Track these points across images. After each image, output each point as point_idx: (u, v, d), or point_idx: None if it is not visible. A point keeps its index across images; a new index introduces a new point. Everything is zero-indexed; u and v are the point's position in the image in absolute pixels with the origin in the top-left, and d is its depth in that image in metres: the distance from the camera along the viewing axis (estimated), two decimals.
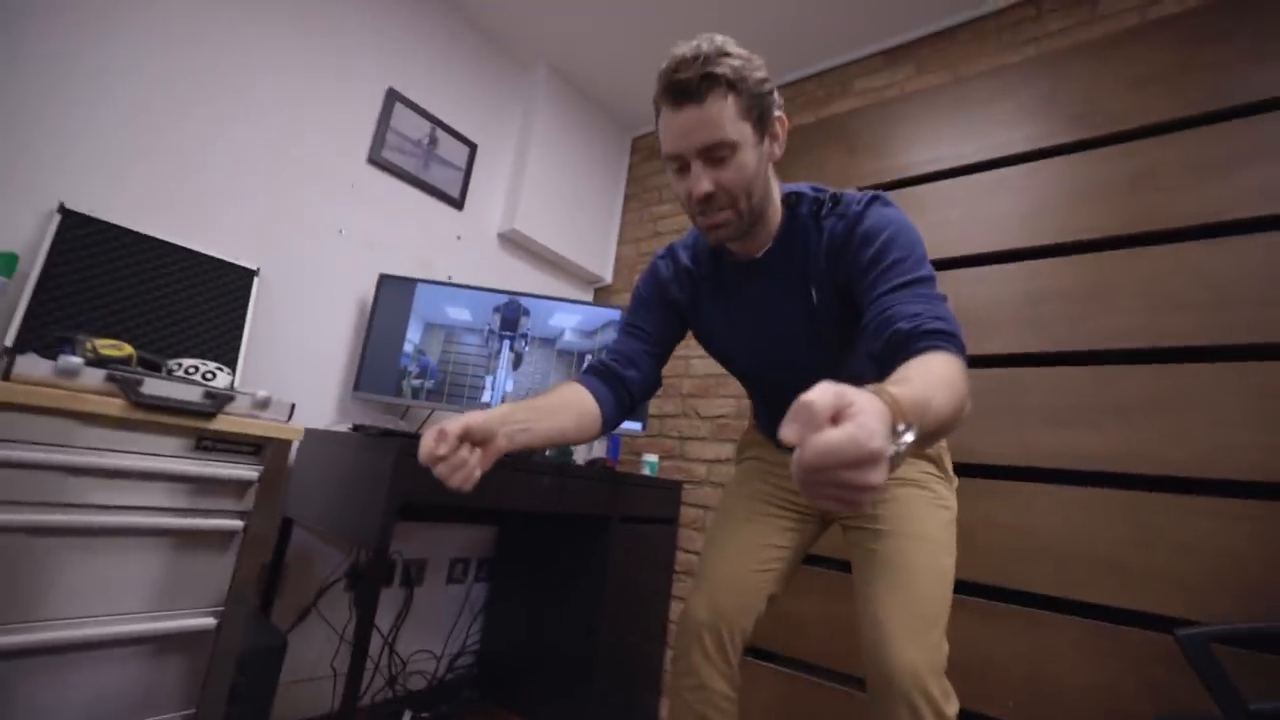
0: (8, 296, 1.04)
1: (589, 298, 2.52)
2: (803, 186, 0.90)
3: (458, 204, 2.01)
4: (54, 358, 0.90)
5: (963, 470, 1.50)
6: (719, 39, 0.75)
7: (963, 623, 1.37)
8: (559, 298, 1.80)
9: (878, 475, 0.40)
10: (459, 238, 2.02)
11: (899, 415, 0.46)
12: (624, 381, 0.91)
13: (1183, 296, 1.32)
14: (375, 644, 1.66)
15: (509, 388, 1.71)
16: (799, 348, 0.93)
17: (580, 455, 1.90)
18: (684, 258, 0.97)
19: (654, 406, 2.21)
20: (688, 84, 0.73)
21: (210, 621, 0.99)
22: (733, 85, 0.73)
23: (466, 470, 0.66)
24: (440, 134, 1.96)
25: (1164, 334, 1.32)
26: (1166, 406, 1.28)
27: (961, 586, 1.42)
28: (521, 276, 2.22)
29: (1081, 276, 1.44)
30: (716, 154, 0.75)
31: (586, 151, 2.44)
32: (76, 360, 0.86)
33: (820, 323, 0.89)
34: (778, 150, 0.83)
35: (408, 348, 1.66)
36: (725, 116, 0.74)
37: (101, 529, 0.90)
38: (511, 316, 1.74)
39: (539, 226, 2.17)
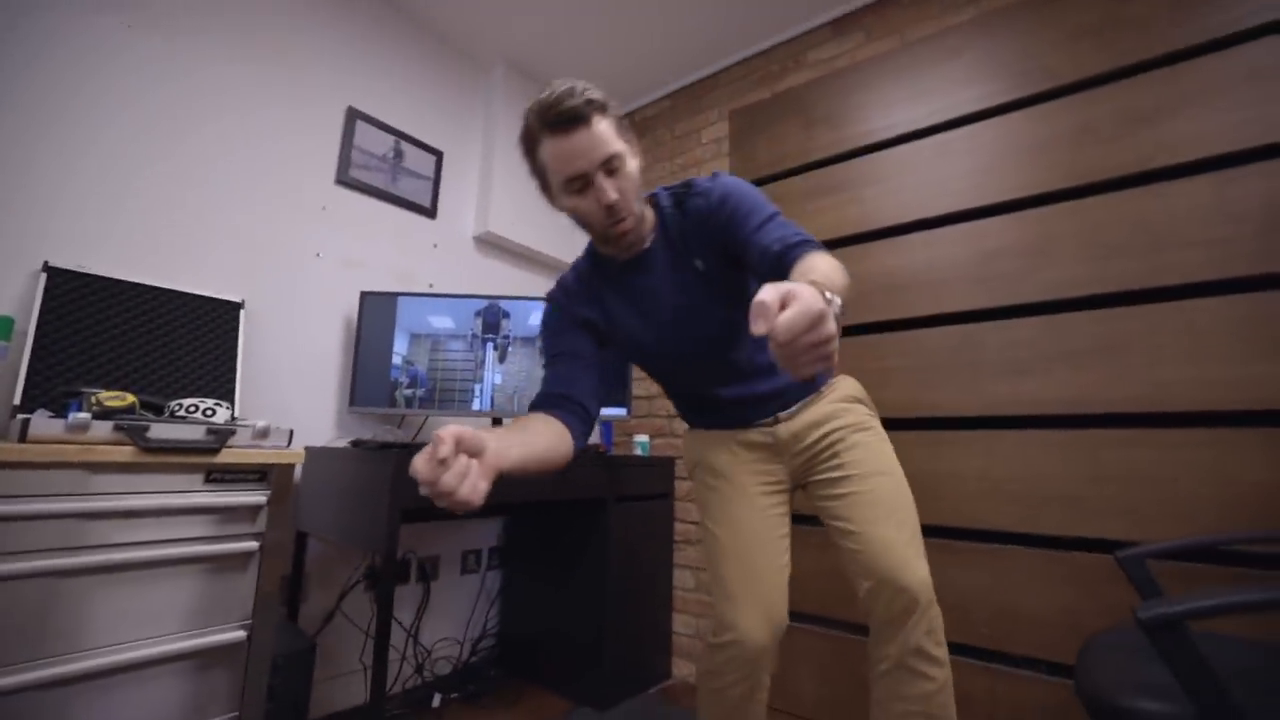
0: (9, 359, 1.11)
1: None
2: (656, 190, 1.04)
3: (430, 213, 2.05)
4: (62, 413, 0.98)
5: (927, 424, 1.61)
6: (578, 80, 0.87)
7: (935, 563, 1.45)
8: (537, 297, 1.86)
9: (831, 326, 0.53)
10: (435, 246, 2.07)
11: (823, 289, 0.59)
12: (572, 400, 0.95)
13: (1121, 244, 1.38)
14: (400, 637, 1.78)
15: (497, 381, 1.79)
16: (702, 316, 1.02)
17: None
18: (574, 281, 1.06)
19: (639, 389, 2.30)
20: (574, 110, 0.83)
21: (241, 634, 1.09)
22: (605, 109, 0.87)
23: (471, 479, 0.62)
24: (404, 146, 1.99)
25: (1105, 281, 1.39)
26: (1109, 349, 1.37)
27: (931, 530, 1.54)
28: (501, 277, 2.28)
29: (1028, 232, 1.50)
30: (613, 165, 0.87)
31: None
32: (85, 415, 0.94)
33: (712, 285, 1.00)
34: (641, 162, 0.96)
35: (396, 359, 1.74)
36: (610, 133, 0.86)
37: (127, 564, 0.99)
38: (492, 320, 1.80)
39: (512, 225, 2.22)
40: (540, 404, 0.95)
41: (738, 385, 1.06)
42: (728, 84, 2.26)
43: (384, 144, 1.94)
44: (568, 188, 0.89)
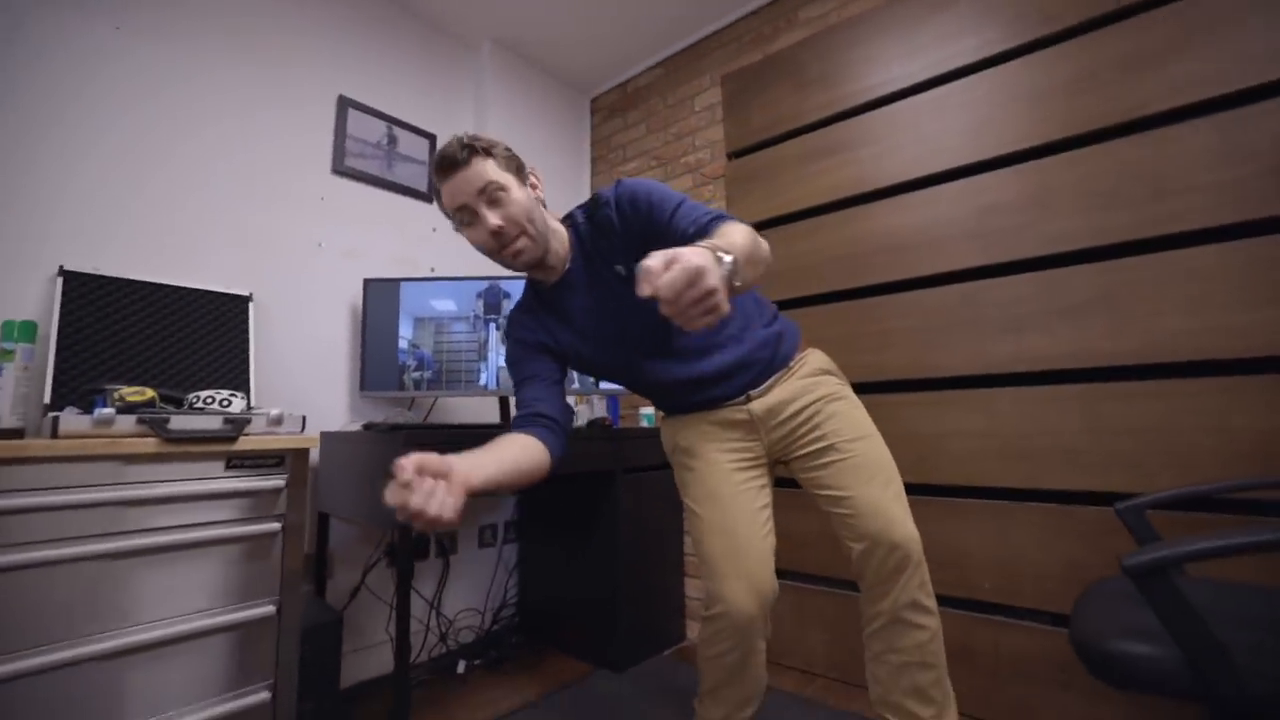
0: (35, 361, 1.17)
1: None
2: (571, 210, 1.09)
3: (426, 197, 2.07)
4: (89, 409, 1.03)
5: (928, 385, 1.62)
6: (473, 132, 0.97)
7: (938, 521, 1.51)
8: None
9: (711, 280, 0.58)
10: (434, 230, 2.10)
11: (715, 249, 0.65)
12: (544, 415, 1.01)
13: (1121, 193, 1.36)
14: (423, 609, 1.86)
15: (501, 361, 1.83)
16: (633, 317, 1.04)
17: (582, 418, 2.03)
18: (522, 311, 1.13)
19: None
20: (453, 155, 0.93)
21: (271, 609, 1.16)
22: (488, 151, 0.95)
23: (438, 498, 0.65)
24: (397, 131, 2.00)
25: (1105, 232, 1.37)
26: (1110, 302, 1.35)
27: (934, 489, 1.57)
28: None
29: (1026, 186, 1.48)
30: (492, 194, 0.94)
31: (545, 119, 2.45)
32: (109, 411, 1.00)
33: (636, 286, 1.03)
34: (541, 193, 1.02)
35: (402, 344, 1.78)
36: (488, 168, 0.94)
37: (162, 547, 1.05)
38: (493, 300, 1.83)
39: None
40: (516, 425, 1.01)
41: (685, 368, 1.09)
42: (720, 47, 2.22)
43: (377, 131, 1.95)
44: (458, 219, 0.98)
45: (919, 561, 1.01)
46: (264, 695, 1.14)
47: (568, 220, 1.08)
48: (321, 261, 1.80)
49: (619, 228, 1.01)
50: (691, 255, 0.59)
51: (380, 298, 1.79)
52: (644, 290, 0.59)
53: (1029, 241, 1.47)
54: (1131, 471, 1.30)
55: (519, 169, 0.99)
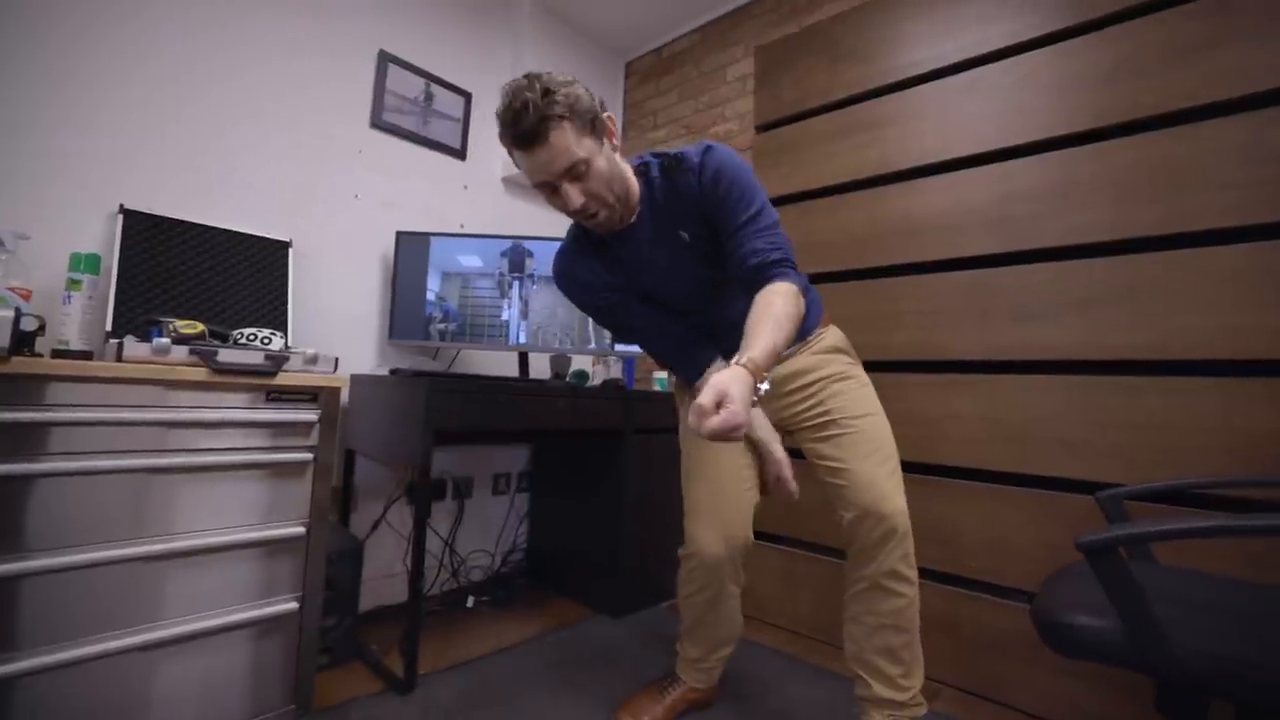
0: (99, 290, 1.28)
1: None
2: (646, 156, 1.06)
3: (460, 154, 2.13)
4: (146, 338, 1.14)
5: (935, 367, 1.65)
6: (539, 82, 0.88)
7: (935, 500, 1.57)
8: (560, 238, 1.93)
9: (743, 427, 0.72)
10: (466, 187, 2.16)
11: (757, 376, 0.78)
12: (668, 335, 1.14)
13: (1144, 188, 1.35)
14: (438, 545, 2.00)
15: (522, 318, 1.91)
16: (685, 282, 1.09)
17: (597, 378, 2.11)
18: (572, 248, 1.15)
19: None
20: (531, 130, 0.88)
21: (300, 529, 1.27)
22: (565, 116, 0.88)
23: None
24: (434, 88, 2.05)
25: (1124, 227, 1.37)
26: (1122, 296, 1.36)
27: (932, 469, 1.61)
28: (528, 217, 2.36)
29: (1050, 176, 1.47)
30: (576, 172, 0.92)
31: (580, 81, 2.46)
32: (165, 340, 1.10)
33: (696, 255, 1.07)
34: (617, 143, 1.00)
35: (430, 296, 1.87)
36: (569, 142, 0.89)
37: (203, 466, 1.16)
38: (517, 259, 1.90)
39: None
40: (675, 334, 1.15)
41: (722, 338, 1.14)
42: (758, 16, 2.20)
43: (415, 87, 2.00)
44: (538, 190, 0.97)
45: (905, 534, 1.07)
46: (292, 605, 1.26)
47: (642, 169, 1.06)
48: (357, 212, 1.89)
49: (696, 194, 1.01)
50: (738, 407, 0.71)
51: (411, 250, 1.87)
52: (693, 425, 0.72)
53: (1047, 232, 1.47)
54: (1121, 462, 1.33)
55: (595, 123, 0.94)
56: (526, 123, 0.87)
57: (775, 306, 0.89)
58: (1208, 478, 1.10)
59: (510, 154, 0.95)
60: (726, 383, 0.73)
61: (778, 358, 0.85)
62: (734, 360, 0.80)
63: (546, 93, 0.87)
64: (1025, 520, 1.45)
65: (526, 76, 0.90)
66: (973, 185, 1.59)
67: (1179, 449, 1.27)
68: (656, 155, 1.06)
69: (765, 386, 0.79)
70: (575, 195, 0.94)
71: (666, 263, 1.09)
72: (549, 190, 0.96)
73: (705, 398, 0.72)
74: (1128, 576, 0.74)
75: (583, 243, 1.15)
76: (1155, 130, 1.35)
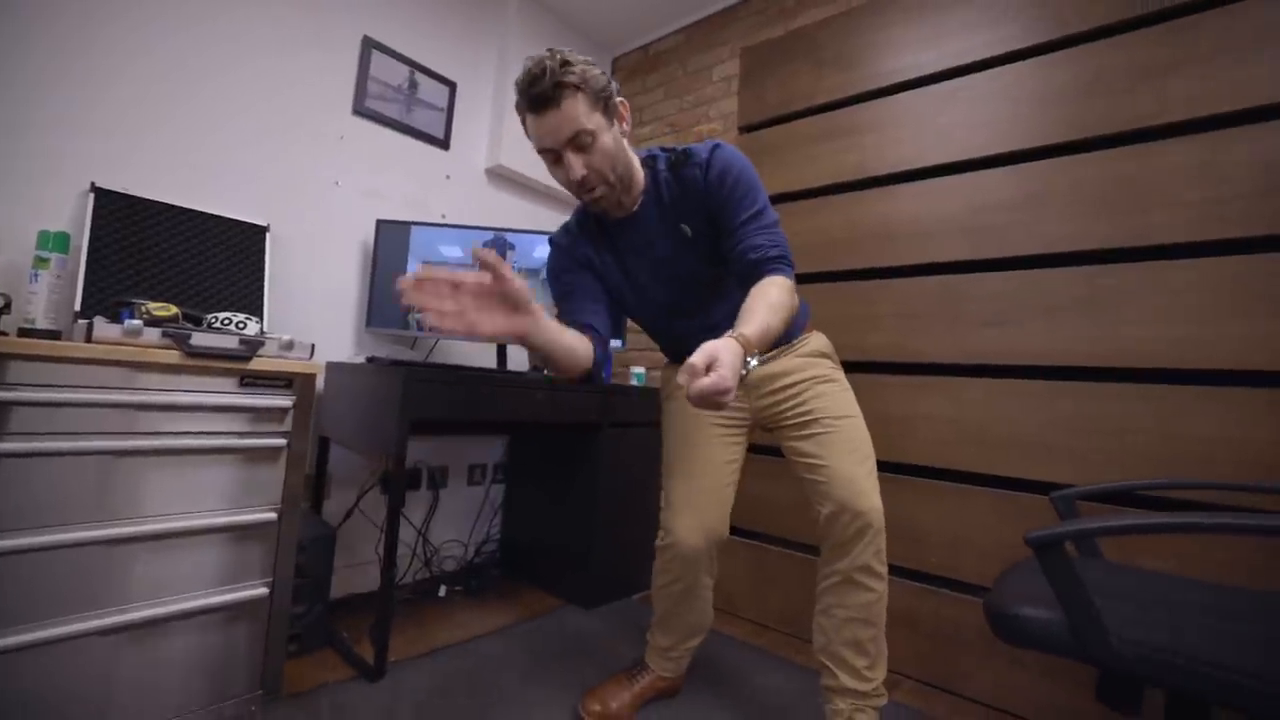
0: (68, 269, 1.25)
1: None
2: (654, 149, 1.09)
3: (443, 144, 2.12)
4: (115, 320, 1.12)
5: (908, 369, 1.69)
6: (561, 54, 0.92)
7: (901, 497, 1.61)
8: (542, 231, 1.94)
9: (729, 397, 0.73)
10: (448, 177, 2.15)
11: (748, 349, 0.80)
12: (587, 325, 1.07)
13: (1110, 202, 1.40)
14: (411, 535, 1.99)
15: None
16: (682, 276, 1.11)
17: None
18: (575, 227, 1.15)
19: None
20: (544, 94, 0.91)
21: (272, 515, 1.27)
22: (579, 87, 0.91)
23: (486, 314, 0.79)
24: (419, 77, 2.04)
25: (1089, 238, 1.43)
26: (1086, 306, 1.41)
27: (901, 468, 1.66)
28: (510, 209, 2.36)
29: (1022, 187, 1.52)
30: (580, 142, 0.94)
31: None
32: (137, 322, 1.08)
33: (696, 251, 1.09)
34: (626, 129, 1.02)
35: None
36: (579, 111, 0.92)
37: (173, 449, 1.15)
38: (499, 251, 1.90)
39: (523, 159, 2.26)
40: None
41: (709, 332, 1.16)
42: (744, 18, 2.22)
43: (399, 74, 1.99)
44: (543, 158, 0.99)
45: (879, 531, 1.10)
46: (262, 591, 1.26)
47: (649, 161, 1.08)
48: (337, 199, 1.87)
49: (702, 190, 1.03)
50: (727, 372, 0.73)
51: (391, 239, 1.86)
52: (681, 383, 0.73)
53: (1018, 241, 1.52)
54: (1076, 465, 1.39)
55: (607, 102, 0.97)
56: (541, 86, 0.90)
57: (771, 295, 0.92)
58: (1153, 480, 1.16)
59: (523, 122, 0.97)
60: (719, 349, 0.75)
61: (769, 340, 0.86)
62: (727, 333, 0.82)
63: (565, 63, 0.91)
64: (986, 518, 1.50)
65: (549, 49, 0.94)
66: (947, 193, 1.63)
67: (1126, 452, 1.33)
68: (665, 150, 1.09)
69: (754, 362, 0.81)
70: (578, 165, 0.95)
71: (665, 255, 1.10)
72: (552, 158, 0.97)
73: (697, 358, 0.73)
74: (1070, 570, 0.78)
75: (586, 225, 1.16)
76: (1119, 146, 1.40)
